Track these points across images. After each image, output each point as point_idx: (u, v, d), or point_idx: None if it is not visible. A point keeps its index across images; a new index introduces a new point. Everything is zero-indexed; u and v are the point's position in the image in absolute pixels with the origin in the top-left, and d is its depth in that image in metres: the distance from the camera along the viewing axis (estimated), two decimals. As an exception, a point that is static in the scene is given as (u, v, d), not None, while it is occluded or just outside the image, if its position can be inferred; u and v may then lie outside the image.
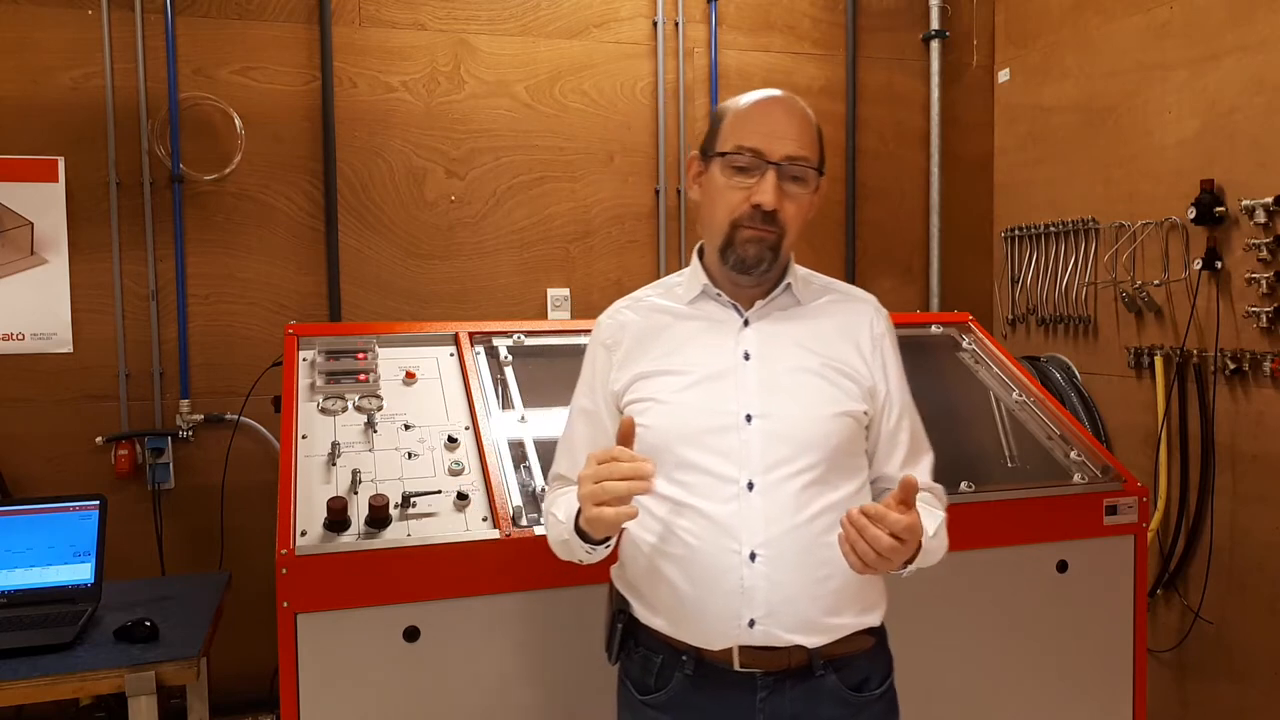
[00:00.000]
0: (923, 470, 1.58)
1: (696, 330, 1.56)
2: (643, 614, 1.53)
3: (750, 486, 1.44)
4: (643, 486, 1.27)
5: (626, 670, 1.58)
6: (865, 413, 1.53)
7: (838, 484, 1.48)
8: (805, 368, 1.52)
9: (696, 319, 1.57)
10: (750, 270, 1.51)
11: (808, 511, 1.45)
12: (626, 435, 1.36)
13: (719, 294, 1.57)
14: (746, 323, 1.55)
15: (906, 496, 1.30)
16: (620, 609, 1.57)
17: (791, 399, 1.49)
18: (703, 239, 1.60)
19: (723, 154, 1.50)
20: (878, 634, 1.56)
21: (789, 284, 1.57)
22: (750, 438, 1.46)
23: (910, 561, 1.38)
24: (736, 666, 1.45)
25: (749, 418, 1.47)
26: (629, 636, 1.56)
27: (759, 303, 1.56)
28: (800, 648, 1.45)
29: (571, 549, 1.50)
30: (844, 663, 1.49)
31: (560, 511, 1.50)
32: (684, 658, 1.48)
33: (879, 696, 1.53)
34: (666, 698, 1.50)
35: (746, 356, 1.52)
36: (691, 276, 1.60)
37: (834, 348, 1.54)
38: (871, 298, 1.66)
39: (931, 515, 1.46)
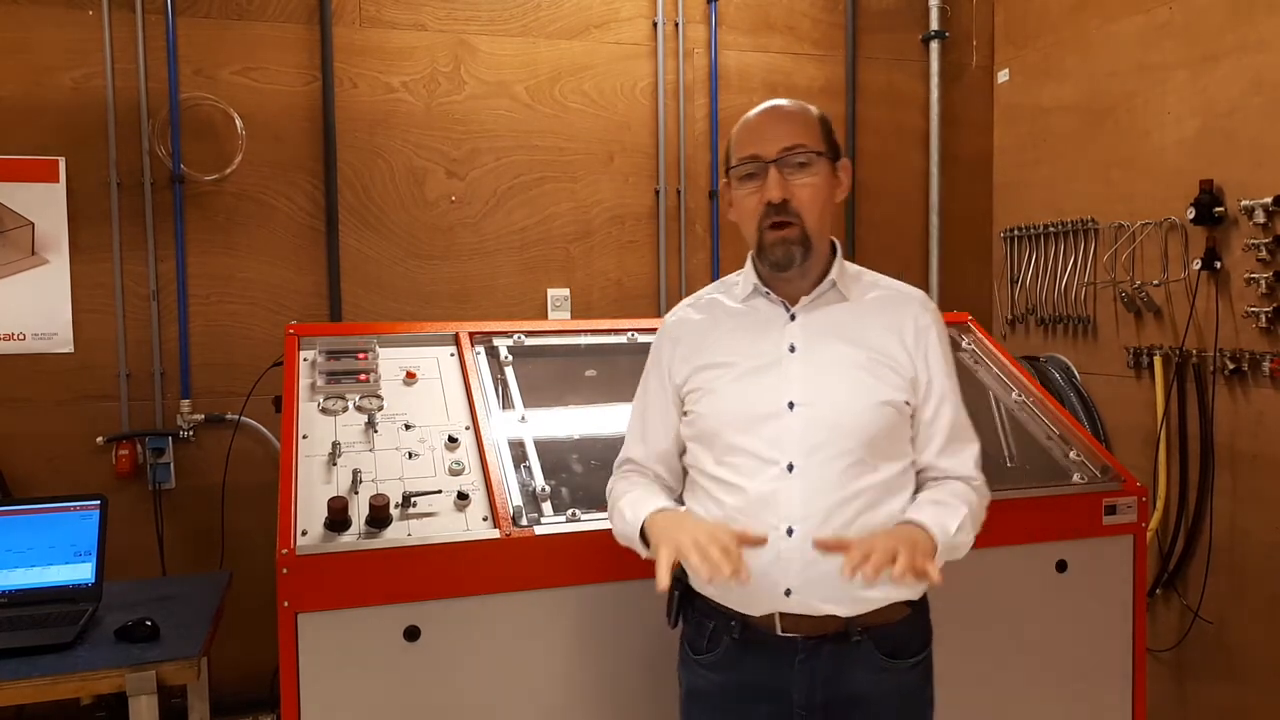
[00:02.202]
0: (964, 459, 1.66)
1: (747, 326, 1.67)
2: (697, 583, 1.64)
3: (790, 468, 1.55)
4: (725, 572, 1.38)
5: (685, 633, 1.70)
6: (907, 402, 1.61)
7: (878, 466, 1.57)
8: (847, 359, 1.60)
9: (748, 315, 1.68)
10: (784, 269, 1.61)
11: (845, 491, 1.55)
12: (750, 539, 1.47)
13: (768, 292, 1.67)
14: (793, 318, 1.64)
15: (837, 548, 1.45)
16: (678, 578, 1.66)
17: (832, 388, 1.58)
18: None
19: (731, 168, 1.64)
20: (916, 605, 1.63)
21: (834, 281, 1.65)
22: (792, 424, 1.57)
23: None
24: (778, 631, 1.57)
25: (791, 405, 1.57)
26: (686, 603, 1.67)
27: (804, 299, 1.64)
28: (836, 616, 1.55)
29: (632, 545, 1.63)
30: (880, 631, 1.58)
31: (629, 511, 1.62)
32: (732, 623, 1.60)
33: (913, 665, 1.62)
34: (716, 658, 1.62)
35: (792, 349, 1.62)
36: (745, 276, 1.70)
37: (877, 340, 1.62)
38: (920, 293, 1.73)
39: (954, 512, 1.56)
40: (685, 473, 1.73)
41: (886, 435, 1.58)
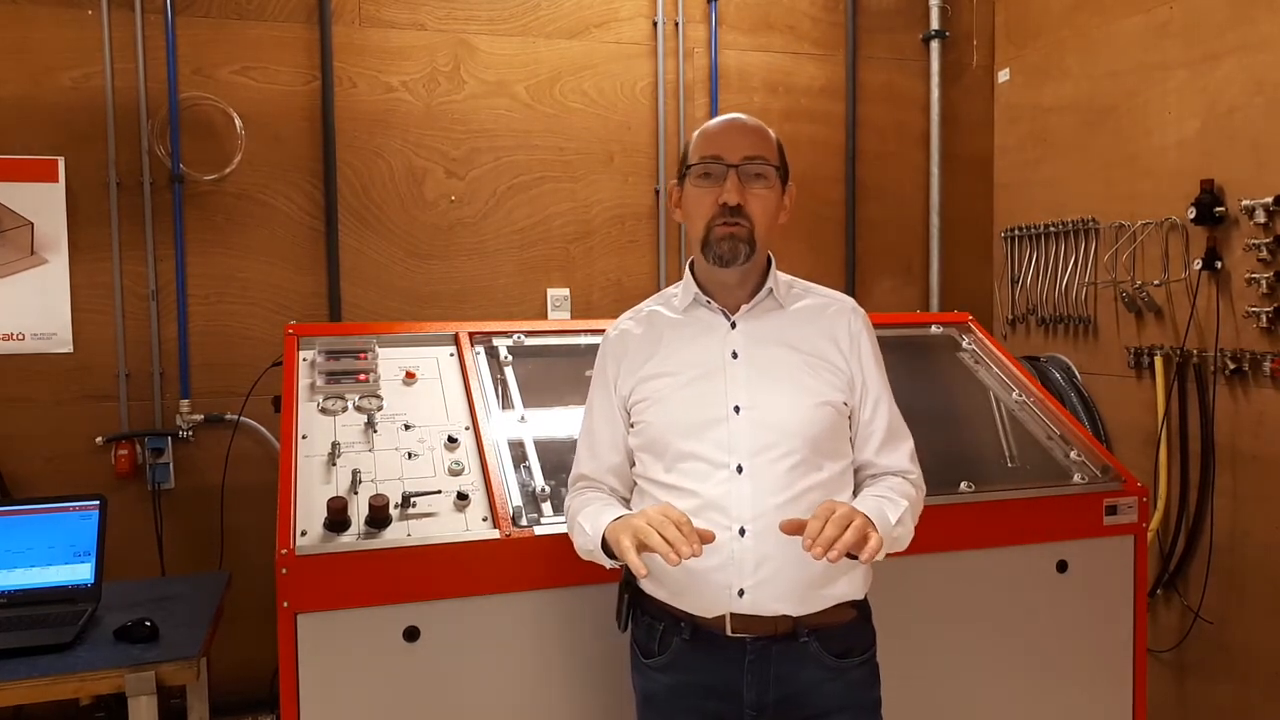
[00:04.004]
0: (900, 455, 1.72)
1: (690, 335, 1.71)
2: (647, 585, 1.67)
3: (739, 470, 1.59)
4: (685, 552, 1.39)
5: (634, 636, 1.72)
6: (845, 403, 1.68)
7: (822, 465, 1.62)
8: (787, 363, 1.66)
9: (689, 325, 1.73)
10: (729, 263, 1.64)
11: (793, 490, 1.58)
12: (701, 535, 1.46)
13: (708, 301, 1.72)
14: (734, 325, 1.70)
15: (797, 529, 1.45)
16: (628, 581, 1.70)
17: (775, 391, 1.64)
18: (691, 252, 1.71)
19: (690, 166, 1.69)
20: (860, 608, 1.68)
21: (770, 289, 1.71)
22: (739, 427, 1.61)
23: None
24: (728, 632, 1.59)
25: (737, 409, 1.62)
26: (635, 606, 1.70)
27: (744, 307, 1.70)
28: (786, 616, 1.58)
29: (595, 558, 1.64)
30: (827, 632, 1.61)
31: (588, 525, 1.63)
32: (682, 624, 1.63)
33: (859, 665, 1.65)
34: (666, 660, 1.65)
35: (734, 355, 1.67)
36: (685, 287, 1.75)
37: (814, 344, 1.69)
38: (850, 300, 1.79)
39: (894, 505, 1.60)
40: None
41: (828, 435, 1.64)
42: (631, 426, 1.72)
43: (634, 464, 1.73)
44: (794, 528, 1.45)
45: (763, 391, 1.63)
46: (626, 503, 1.74)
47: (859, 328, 1.73)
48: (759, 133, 1.69)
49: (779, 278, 1.75)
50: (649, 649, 1.68)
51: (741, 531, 1.56)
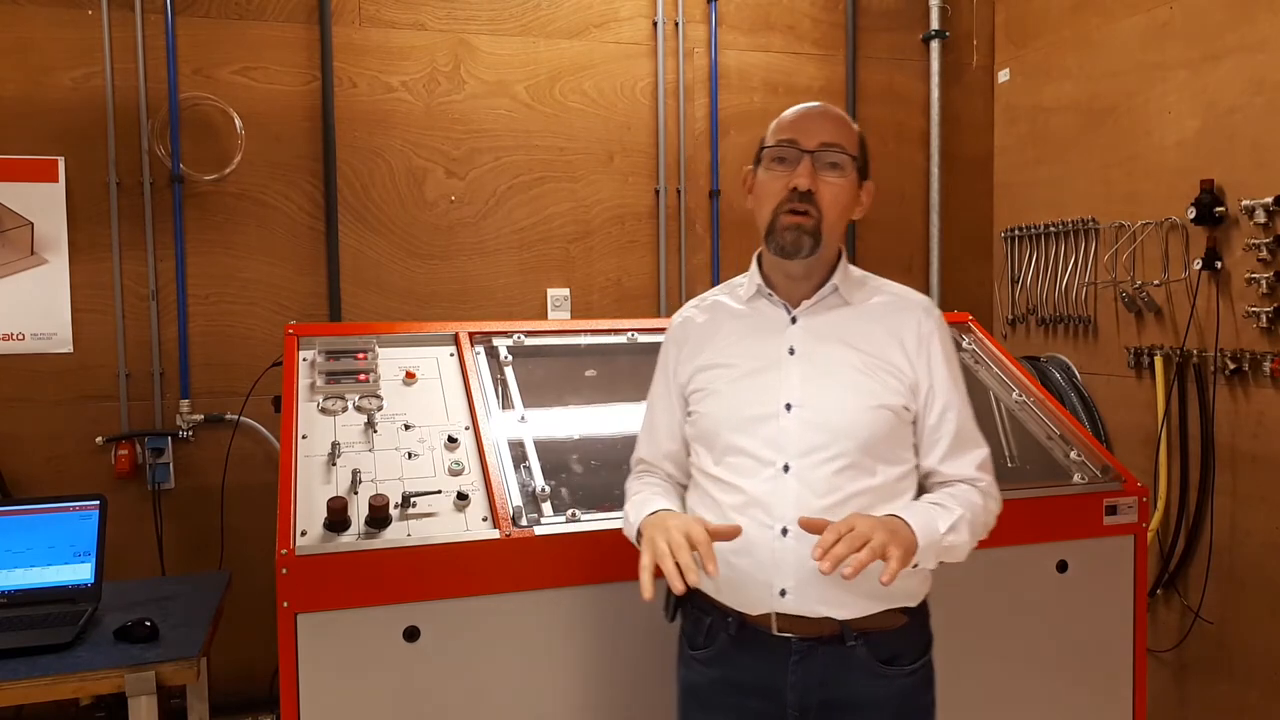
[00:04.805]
0: (966, 464, 1.64)
1: (749, 327, 1.68)
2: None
3: (786, 469, 1.56)
4: (692, 580, 1.39)
5: (683, 627, 1.71)
6: (906, 408, 1.61)
7: (874, 469, 1.57)
8: (846, 363, 1.61)
9: (750, 317, 1.69)
10: (791, 255, 1.60)
11: (841, 494, 1.54)
12: (723, 533, 1.48)
13: (770, 294, 1.68)
14: (794, 320, 1.65)
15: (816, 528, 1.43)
16: None
17: (829, 391, 1.59)
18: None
19: (765, 149, 1.64)
20: (912, 613, 1.62)
21: (836, 285, 1.66)
22: (789, 425, 1.57)
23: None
24: (774, 631, 1.56)
25: (788, 407, 1.58)
26: (684, 599, 1.65)
27: (806, 302, 1.66)
28: (831, 619, 1.54)
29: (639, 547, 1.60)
30: (876, 637, 1.57)
31: (632, 513, 1.65)
32: (729, 619, 1.60)
33: (910, 672, 1.60)
34: (712, 653, 1.63)
35: (791, 351, 1.63)
36: (750, 278, 1.72)
37: (878, 345, 1.63)
38: (925, 299, 1.72)
39: (947, 513, 1.54)
40: None
41: (884, 439, 1.58)
42: (689, 415, 1.69)
43: (689, 453, 1.71)
44: (814, 526, 1.42)
45: (816, 390, 1.58)
46: (683, 489, 1.73)
47: (930, 329, 1.65)
48: (839, 121, 1.63)
49: (850, 273, 1.69)
50: (695, 640, 1.66)
51: (784, 531, 1.53)
